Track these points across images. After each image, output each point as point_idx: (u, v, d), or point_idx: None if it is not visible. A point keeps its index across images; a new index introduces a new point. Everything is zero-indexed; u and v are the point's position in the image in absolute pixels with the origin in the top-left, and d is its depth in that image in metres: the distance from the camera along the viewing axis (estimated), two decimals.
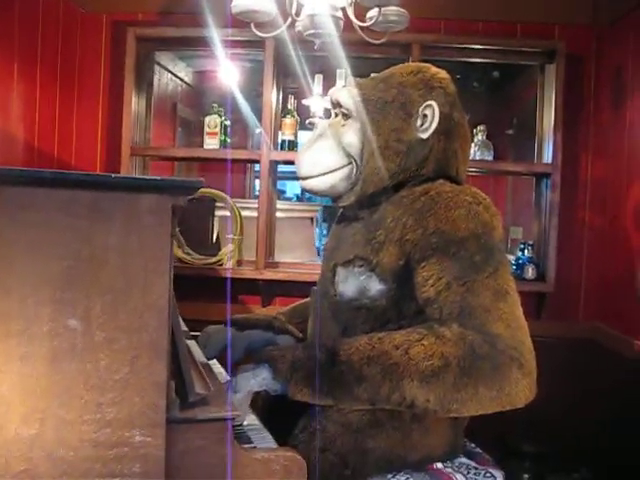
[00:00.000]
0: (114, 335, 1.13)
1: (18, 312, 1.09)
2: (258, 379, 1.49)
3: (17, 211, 1.06)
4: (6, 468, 1.13)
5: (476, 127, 3.26)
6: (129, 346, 1.13)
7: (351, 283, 1.63)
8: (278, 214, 3.50)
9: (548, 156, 3.14)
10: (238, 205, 3.32)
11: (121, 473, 1.17)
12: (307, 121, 3.72)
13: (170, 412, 1.20)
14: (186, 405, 1.24)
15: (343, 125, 1.70)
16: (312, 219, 4.41)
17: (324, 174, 1.69)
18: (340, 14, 1.95)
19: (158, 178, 1.09)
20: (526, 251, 3.23)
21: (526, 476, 3.05)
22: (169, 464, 1.19)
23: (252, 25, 1.98)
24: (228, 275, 3.11)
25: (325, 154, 1.69)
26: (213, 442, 1.24)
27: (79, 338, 1.12)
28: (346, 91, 1.72)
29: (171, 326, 1.19)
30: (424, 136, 1.65)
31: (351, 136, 1.67)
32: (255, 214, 3.18)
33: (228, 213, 3.26)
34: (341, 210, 1.83)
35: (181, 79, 4.33)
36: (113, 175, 1.07)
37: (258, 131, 3.32)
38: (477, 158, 3.20)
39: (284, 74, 3.36)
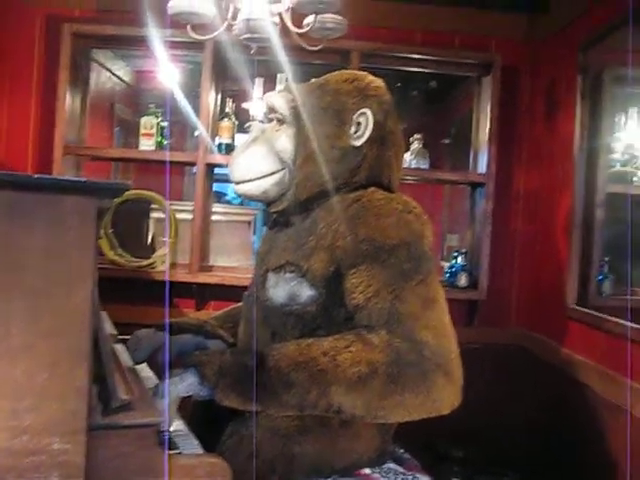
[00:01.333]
0: (34, 340, 1.10)
1: None
2: (185, 384, 1.47)
3: None
4: None
5: (413, 135, 3.29)
6: (49, 351, 1.10)
7: (282, 288, 1.63)
8: (216, 217, 3.48)
9: (482, 166, 3.20)
10: (175, 207, 3.29)
11: None
12: (246, 125, 3.72)
13: (92, 418, 1.17)
14: (109, 411, 1.22)
15: (277, 130, 1.70)
16: (249, 223, 4.40)
17: (257, 179, 1.68)
18: (277, 19, 1.94)
19: (83, 180, 1.07)
20: (460, 259, 3.28)
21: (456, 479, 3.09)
22: (91, 471, 1.17)
23: (189, 27, 1.96)
24: (166, 278, 3.06)
25: (258, 159, 1.68)
26: (137, 448, 1.22)
27: None
28: (281, 96, 1.72)
29: (94, 331, 1.17)
30: (357, 144, 1.66)
31: (285, 141, 1.68)
32: (191, 216, 3.15)
33: (163, 215, 3.22)
34: (274, 215, 1.83)
35: (120, 78, 4.27)
36: (35, 175, 1.05)
37: (196, 133, 3.29)
38: (413, 166, 3.24)
39: (224, 77, 3.34)
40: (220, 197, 4.22)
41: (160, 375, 1.77)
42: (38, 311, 1.09)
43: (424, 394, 1.40)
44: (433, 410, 1.42)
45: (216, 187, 3.80)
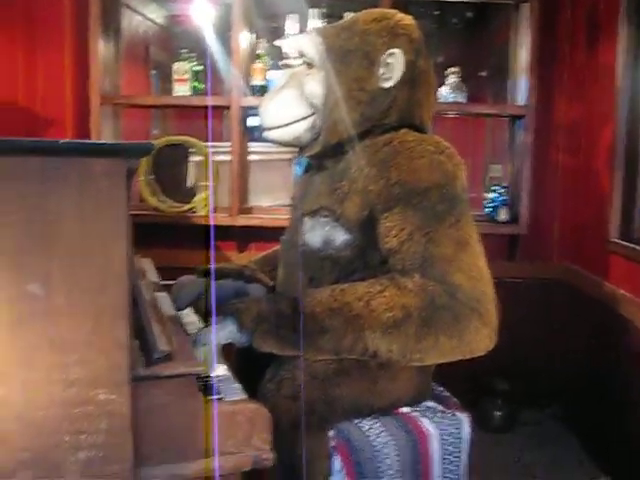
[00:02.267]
0: (74, 298, 1.14)
1: None
2: (224, 332, 1.52)
3: None
4: None
5: (449, 68, 3.22)
6: (90, 308, 1.15)
7: (317, 233, 1.64)
8: (255, 157, 3.48)
9: (522, 98, 3.13)
10: (214, 150, 3.30)
11: (88, 430, 1.19)
12: (280, 63, 3.67)
13: (134, 370, 1.22)
14: (151, 362, 1.26)
15: (307, 74, 1.69)
16: (290, 160, 4.39)
17: (287, 125, 1.68)
18: None
19: (108, 142, 1.09)
20: (500, 192, 3.24)
21: (498, 414, 3.13)
22: (135, 420, 1.22)
23: None
24: (211, 223, 3.10)
25: (288, 104, 1.68)
26: (178, 397, 1.26)
27: (40, 302, 1.13)
28: (309, 39, 1.69)
29: (131, 286, 1.20)
30: (387, 85, 1.64)
31: (314, 86, 1.66)
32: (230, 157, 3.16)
33: (202, 158, 3.24)
34: (307, 160, 1.83)
35: (153, 21, 4.24)
36: (62, 141, 1.07)
37: (229, 73, 3.27)
38: (451, 100, 3.18)
39: (256, 15, 3.29)
40: (257, 132, 4.19)
41: (203, 320, 1.82)
42: (76, 271, 1.13)
43: (458, 337, 1.42)
44: (467, 352, 1.44)
45: (253, 121, 3.78)
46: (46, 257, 1.11)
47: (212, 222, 3.07)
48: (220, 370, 1.69)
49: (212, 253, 2.14)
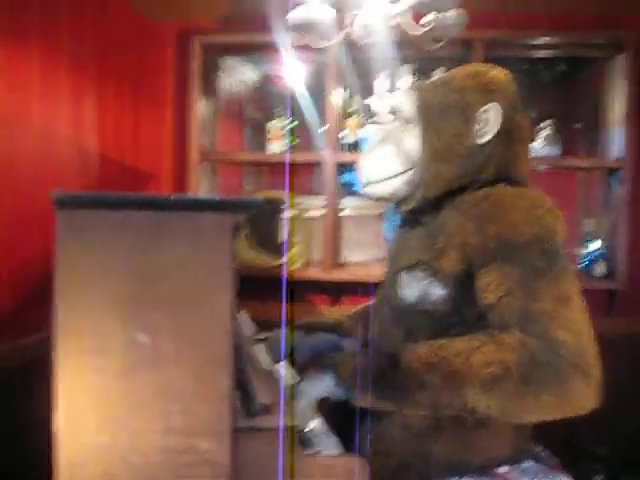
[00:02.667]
0: (181, 348, 1.18)
1: (91, 328, 1.15)
2: (322, 386, 1.53)
3: (85, 233, 1.12)
4: (83, 470, 1.20)
5: (543, 122, 3.20)
6: (195, 358, 1.18)
7: (414, 288, 1.64)
8: (346, 212, 3.52)
9: (617, 150, 3.07)
10: (305, 204, 3.35)
11: (189, 478, 1.22)
12: (371, 119, 3.73)
13: (235, 421, 1.24)
14: (250, 413, 1.28)
15: (403, 130, 1.71)
16: (381, 215, 4.41)
17: (385, 180, 1.70)
18: (395, 21, 1.95)
19: (217, 197, 1.13)
20: (596, 246, 3.17)
21: (598, 478, 2.99)
22: (234, 470, 1.24)
23: (308, 37, 2.00)
24: (283, 276, 3.15)
25: (386, 160, 1.70)
26: (276, 449, 1.28)
27: (149, 351, 1.17)
28: (405, 96, 1.72)
29: (235, 337, 1.23)
30: (484, 140, 1.64)
31: (411, 142, 1.68)
32: (323, 211, 3.21)
33: (295, 213, 3.30)
34: (404, 215, 1.84)
35: (247, 81, 4.39)
36: (172, 196, 1.12)
37: (323, 132, 3.34)
38: (545, 154, 3.15)
39: (348, 74, 3.37)
40: (349, 188, 4.25)
41: (298, 373, 1.83)
42: (183, 321, 1.17)
43: (561, 395, 1.37)
44: (570, 411, 1.39)
45: (345, 177, 3.83)
46: (155, 307, 1.16)
47: (285, 275, 3.11)
48: (316, 424, 1.70)
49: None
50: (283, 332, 1.97)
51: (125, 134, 3.22)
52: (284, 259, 3.22)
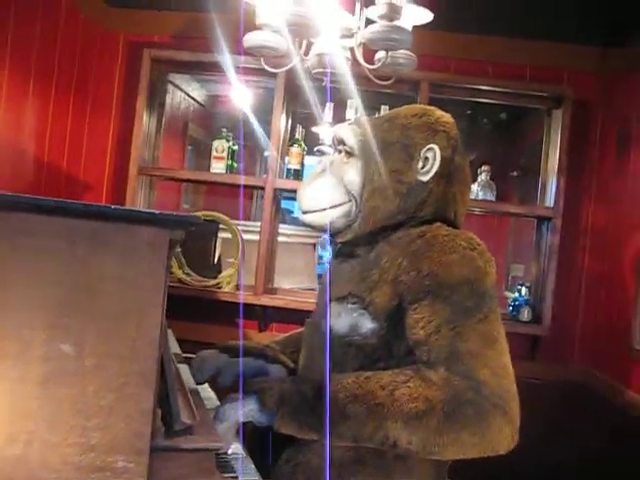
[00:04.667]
0: (105, 362, 1.15)
1: (14, 335, 1.11)
2: (245, 410, 1.51)
3: (17, 237, 1.09)
4: None
5: (481, 167, 3.28)
6: (118, 373, 1.15)
7: (343, 319, 1.64)
8: (281, 238, 3.52)
9: (550, 200, 3.17)
10: (243, 228, 3.35)
11: None
12: (315, 148, 3.77)
13: (154, 440, 1.21)
14: (171, 433, 1.26)
15: (345, 163, 1.73)
16: (314, 245, 4.43)
17: (324, 210, 1.71)
18: (348, 54, 1.98)
19: (157, 212, 1.12)
20: (523, 292, 3.25)
21: None
22: None
23: (262, 60, 2.02)
24: (240, 300, 3.13)
25: (326, 190, 1.71)
26: (195, 471, 1.25)
27: (70, 363, 1.14)
28: (350, 129, 1.74)
29: (161, 355, 1.21)
30: (424, 179, 1.67)
31: (352, 174, 1.70)
32: (258, 237, 3.20)
33: (230, 236, 3.29)
34: (339, 246, 1.85)
35: (194, 99, 4.38)
36: (113, 206, 1.10)
37: (266, 157, 3.35)
38: (480, 197, 3.23)
39: (295, 101, 3.40)
40: (286, 215, 4.26)
41: (220, 397, 1.81)
42: (110, 335, 1.14)
43: (481, 433, 1.39)
44: (489, 450, 1.42)
45: (283, 204, 3.85)
46: (83, 319, 1.13)
47: (242, 299, 3.09)
48: (235, 449, 1.68)
49: (241, 330, 2.15)
50: (210, 353, 1.95)
51: (67, 141, 3.17)
52: (216, 280, 3.20)
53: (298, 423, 1.46)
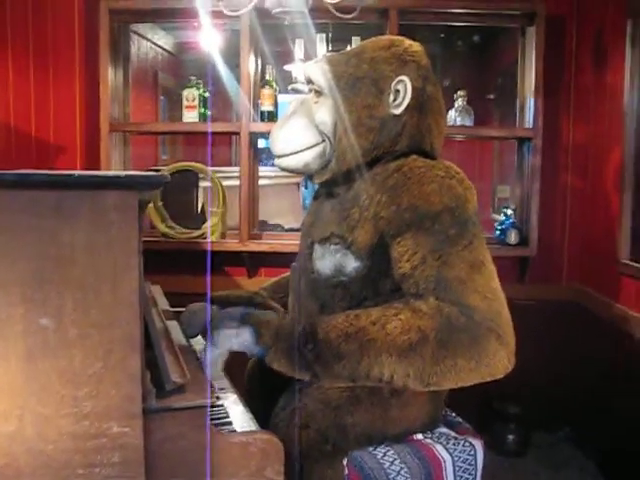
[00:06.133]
0: (86, 331, 1.14)
1: None
2: (239, 339, 1.50)
3: None
4: None
5: (456, 92, 3.23)
6: (102, 341, 1.15)
7: (328, 260, 1.63)
8: (263, 181, 3.49)
9: (529, 120, 3.13)
10: (222, 175, 3.31)
11: (101, 463, 1.19)
12: (289, 87, 3.69)
13: (147, 402, 1.21)
14: (163, 394, 1.26)
15: (316, 102, 1.69)
16: (298, 184, 4.41)
17: (297, 152, 1.68)
18: None
19: (122, 174, 1.09)
20: (509, 215, 3.24)
21: (511, 437, 3.10)
22: (148, 452, 1.22)
23: (221, 3, 1.95)
24: (208, 249, 3.11)
25: (298, 132, 1.68)
26: (190, 429, 1.26)
27: (52, 336, 1.13)
28: (317, 67, 1.69)
29: (144, 318, 1.20)
30: (397, 112, 1.64)
31: (323, 113, 1.66)
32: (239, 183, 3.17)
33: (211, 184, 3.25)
34: (318, 186, 1.83)
35: (162, 47, 4.28)
36: (76, 173, 1.07)
37: (237, 99, 3.29)
38: (458, 124, 3.19)
39: (263, 41, 3.32)
40: (267, 158, 4.22)
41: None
42: (88, 304, 1.13)
43: (476, 359, 1.39)
44: (486, 375, 1.42)
45: (266, 143, 3.80)
46: (58, 291, 1.12)
47: (209, 247, 3.07)
48: (231, 400, 1.68)
49: (208, 279, 2.14)
50: (200, 306, 1.94)
51: (33, 105, 3.10)
52: (200, 231, 3.18)
53: (290, 361, 1.47)
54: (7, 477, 1.16)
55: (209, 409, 1.31)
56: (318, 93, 1.69)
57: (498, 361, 1.42)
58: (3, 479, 1.16)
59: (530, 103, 3.12)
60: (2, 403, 1.14)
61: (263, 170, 3.58)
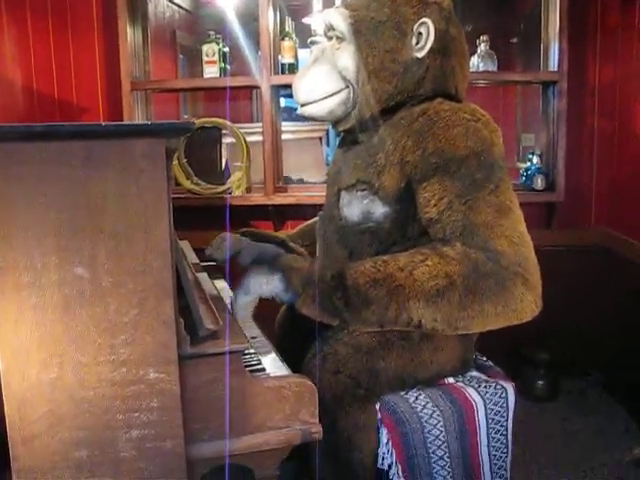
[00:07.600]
0: (120, 279, 1.16)
1: (26, 264, 1.12)
2: (270, 286, 1.52)
3: (12, 166, 1.08)
4: (32, 409, 1.19)
5: (479, 37, 3.17)
6: (135, 289, 1.16)
7: (355, 207, 1.64)
8: (286, 136, 3.47)
9: (554, 63, 3.06)
10: (246, 130, 3.29)
11: (140, 408, 1.22)
12: (309, 40, 3.65)
13: (182, 349, 1.24)
14: (197, 340, 1.28)
15: (337, 49, 1.67)
16: (320, 138, 4.38)
17: (321, 99, 1.67)
18: None
19: (149, 123, 1.09)
20: (535, 160, 3.20)
21: (540, 383, 3.11)
22: (184, 397, 1.24)
23: None
24: (240, 204, 3.12)
25: (321, 79, 1.67)
26: (224, 374, 1.28)
27: (87, 284, 1.15)
28: (338, 13, 1.68)
29: (175, 266, 1.22)
30: (420, 55, 1.62)
31: (346, 59, 1.65)
32: (262, 138, 3.16)
33: (235, 140, 3.24)
34: (342, 134, 1.82)
35: (179, 5, 4.25)
36: (104, 123, 1.08)
37: (260, 53, 3.26)
38: (481, 69, 3.13)
39: None
40: (291, 112, 4.19)
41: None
42: (121, 252, 1.15)
43: (503, 303, 1.40)
44: (513, 318, 1.43)
45: (286, 102, 3.77)
46: (91, 240, 1.13)
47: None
48: (262, 347, 1.71)
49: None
50: (229, 235, 1.92)
51: (54, 66, 3.10)
52: (225, 186, 3.18)
53: (320, 307, 1.48)
54: (51, 423, 1.19)
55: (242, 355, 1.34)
56: (339, 39, 1.67)
57: (525, 305, 1.43)
58: (47, 425, 1.19)
59: (554, 46, 3.06)
60: (42, 351, 1.17)
61: (285, 125, 3.56)
